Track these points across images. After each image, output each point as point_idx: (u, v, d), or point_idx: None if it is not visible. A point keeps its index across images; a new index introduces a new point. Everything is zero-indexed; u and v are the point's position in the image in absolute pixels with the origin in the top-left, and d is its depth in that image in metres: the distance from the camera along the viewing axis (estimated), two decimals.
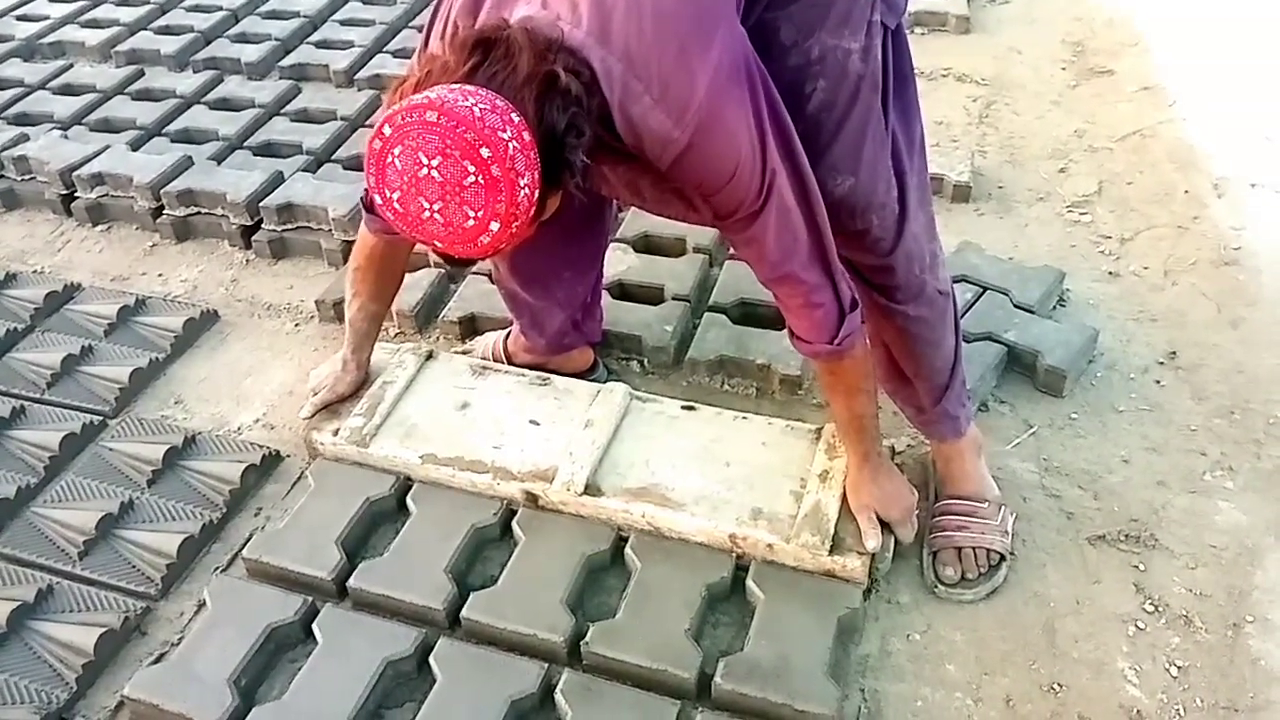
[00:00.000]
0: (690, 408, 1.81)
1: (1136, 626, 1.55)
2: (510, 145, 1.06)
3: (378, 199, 1.11)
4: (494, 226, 1.08)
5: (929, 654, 1.53)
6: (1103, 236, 2.35)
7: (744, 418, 1.79)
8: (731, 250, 2.26)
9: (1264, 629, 1.54)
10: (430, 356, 1.95)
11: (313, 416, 1.84)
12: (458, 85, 1.09)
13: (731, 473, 1.69)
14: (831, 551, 1.55)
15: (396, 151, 1.07)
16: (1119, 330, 2.08)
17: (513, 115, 1.07)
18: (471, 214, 1.08)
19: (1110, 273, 2.24)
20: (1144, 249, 2.30)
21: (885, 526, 1.59)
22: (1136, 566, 1.63)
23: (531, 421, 1.80)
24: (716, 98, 1.17)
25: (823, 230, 1.32)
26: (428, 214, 1.09)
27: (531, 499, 1.69)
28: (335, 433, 1.81)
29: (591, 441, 1.73)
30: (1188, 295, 2.16)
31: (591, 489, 1.67)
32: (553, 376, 1.90)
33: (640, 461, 1.72)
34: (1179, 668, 1.49)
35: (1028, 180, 2.56)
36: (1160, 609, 1.57)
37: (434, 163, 1.06)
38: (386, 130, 1.07)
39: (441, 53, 1.15)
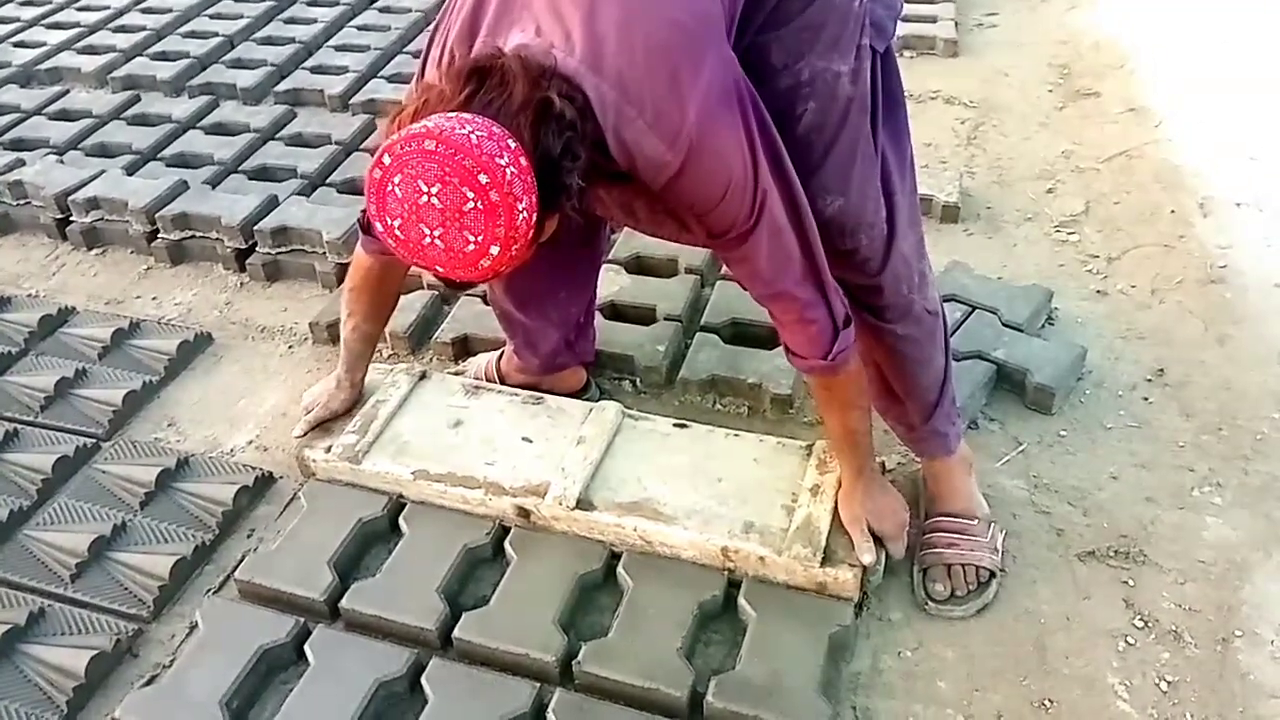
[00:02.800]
0: (682, 425, 1.82)
1: (1126, 642, 1.55)
2: (508, 171, 1.08)
3: (379, 226, 1.13)
4: (494, 250, 1.10)
5: (920, 671, 1.54)
6: (1090, 256, 2.37)
7: (735, 435, 1.80)
8: (723, 270, 2.29)
9: (1253, 643, 1.54)
10: (423, 376, 1.96)
11: (306, 434, 1.85)
12: (454, 113, 1.11)
13: (723, 488, 1.69)
14: (823, 563, 1.56)
15: (396, 180, 1.09)
16: (1107, 348, 2.09)
17: (509, 141, 1.09)
18: (471, 239, 1.09)
19: (1098, 291, 2.26)
20: (1131, 268, 2.33)
21: (877, 540, 1.60)
22: (1126, 582, 1.64)
23: (524, 439, 1.81)
24: (707, 121, 1.19)
25: (815, 248, 1.34)
26: (428, 240, 1.10)
27: (523, 514, 1.70)
28: (328, 450, 1.82)
29: (584, 458, 1.74)
30: (1175, 313, 2.18)
31: (583, 504, 1.67)
32: (545, 395, 1.91)
33: (632, 477, 1.72)
34: (1169, 683, 1.49)
35: (1016, 201, 2.59)
36: (1150, 624, 1.58)
37: (433, 190, 1.08)
38: (386, 159, 1.09)
39: (438, 81, 1.17)
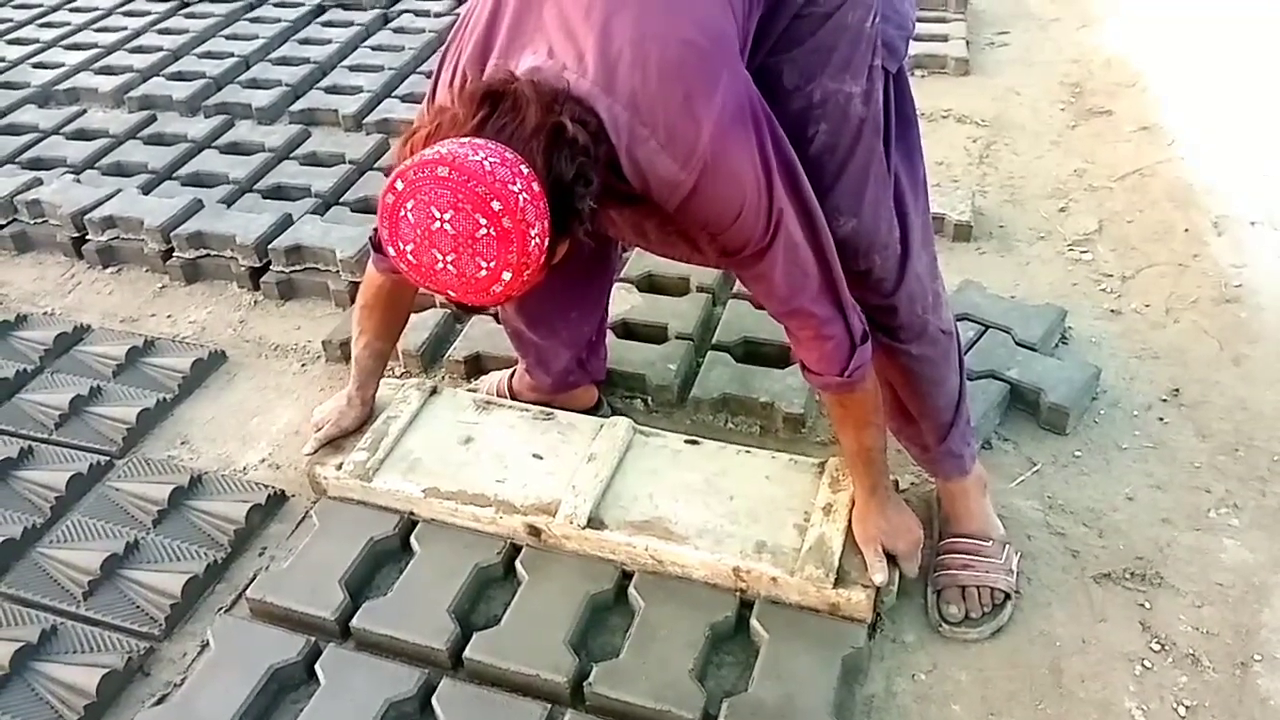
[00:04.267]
0: (693, 442, 1.82)
1: (1143, 665, 1.54)
2: (520, 197, 1.08)
3: (391, 251, 1.13)
4: (506, 276, 1.11)
5: (934, 694, 1.52)
6: (1104, 275, 2.36)
7: (747, 452, 1.79)
8: (735, 289, 2.29)
9: (1272, 668, 1.52)
10: (434, 392, 1.96)
11: (316, 452, 1.85)
12: (467, 139, 1.11)
13: (735, 506, 1.69)
14: (836, 584, 1.55)
15: (409, 206, 1.09)
16: (1121, 368, 2.08)
17: (522, 167, 1.10)
18: (484, 265, 1.10)
19: (1112, 310, 2.25)
20: (1145, 287, 2.32)
21: (891, 560, 1.59)
22: (1143, 605, 1.62)
23: (534, 455, 1.81)
24: (721, 141, 1.19)
25: (832, 264, 1.34)
26: (441, 265, 1.11)
27: (534, 532, 1.69)
28: (339, 467, 1.82)
29: (594, 475, 1.73)
30: (1190, 333, 2.17)
31: (594, 522, 1.67)
32: (556, 411, 1.91)
33: (643, 495, 1.72)
34: (1187, 707, 1.48)
35: (1028, 219, 2.58)
36: (1167, 648, 1.56)
37: (446, 216, 1.08)
38: (399, 185, 1.09)
39: (450, 104, 1.17)
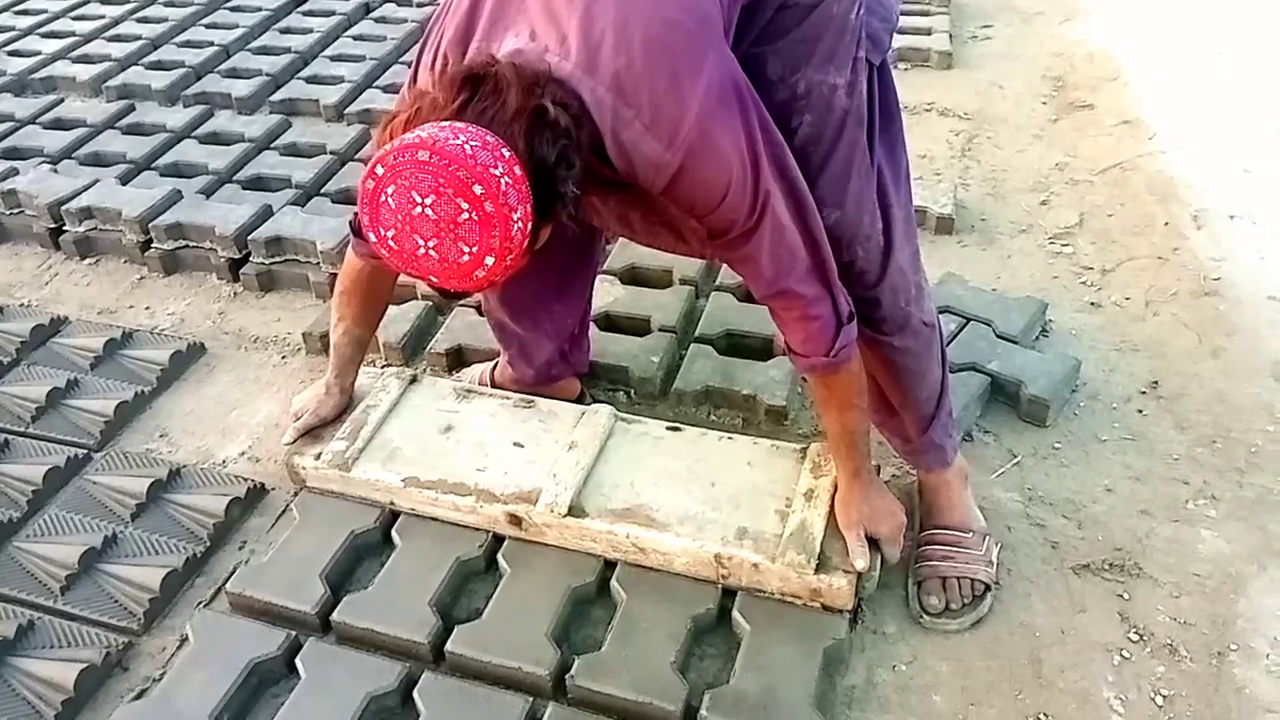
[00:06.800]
0: (675, 428, 1.82)
1: (1121, 656, 1.55)
2: (502, 180, 1.08)
3: (372, 237, 1.12)
4: (489, 261, 1.10)
5: (915, 685, 1.53)
6: (1084, 268, 2.38)
7: (729, 438, 1.79)
8: (718, 281, 2.29)
9: (1248, 657, 1.54)
10: (414, 380, 1.95)
11: (295, 441, 1.84)
12: (448, 122, 1.10)
13: (716, 493, 1.69)
14: (817, 570, 1.55)
15: (390, 191, 1.08)
16: (1101, 360, 2.10)
17: (503, 150, 1.09)
18: (466, 249, 1.09)
19: (1092, 303, 2.26)
20: (1125, 280, 2.33)
21: (873, 545, 1.59)
22: (1121, 595, 1.64)
23: (515, 444, 1.80)
24: (707, 121, 1.18)
25: (820, 245, 1.34)
26: (423, 251, 1.10)
27: (515, 521, 1.69)
28: (317, 456, 1.81)
29: (575, 463, 1.73)
30: (1169, 325, 2.19)
31: (575, 510, 1.66)
32: (537, 399, 1.90)
33: (625, 482, 1.71)
34: (1164, 697, 1.49)
35: (1010, 213, 2.59)
36: (1145, 638, 1.57)
37: (427, 201, 1.07)
38: (379, 170, 1.09)
39: (431, 88, 1.17)
